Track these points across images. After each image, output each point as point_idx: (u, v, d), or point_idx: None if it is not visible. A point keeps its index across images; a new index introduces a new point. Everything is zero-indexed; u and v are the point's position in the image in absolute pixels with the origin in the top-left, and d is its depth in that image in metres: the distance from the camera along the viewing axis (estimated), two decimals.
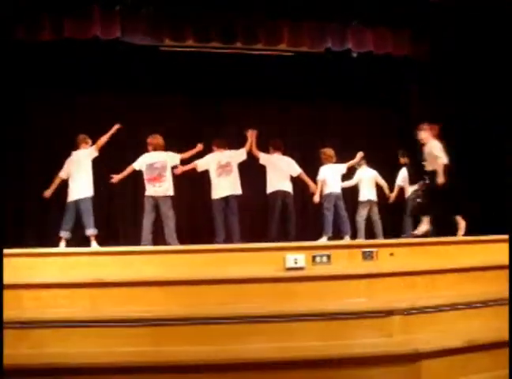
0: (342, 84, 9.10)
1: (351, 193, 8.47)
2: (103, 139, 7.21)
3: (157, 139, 7.25)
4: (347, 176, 8.30)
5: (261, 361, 3.77)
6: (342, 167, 8.10)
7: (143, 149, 7.31)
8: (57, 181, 7.31)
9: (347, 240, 7.58)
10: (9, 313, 4.24)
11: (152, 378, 3.68)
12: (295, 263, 5.06)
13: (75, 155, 7.29)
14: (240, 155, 7.59)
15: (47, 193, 7.25)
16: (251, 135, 7.63)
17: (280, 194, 7.52)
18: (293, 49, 8.42)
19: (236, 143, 7.69)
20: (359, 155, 8.17)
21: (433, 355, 3.84)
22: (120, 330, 4.01)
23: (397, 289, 4.77)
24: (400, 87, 9.04)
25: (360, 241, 7.37)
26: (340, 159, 8.11)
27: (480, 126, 7.68)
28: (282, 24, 8.09)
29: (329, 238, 7.53)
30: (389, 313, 4.19)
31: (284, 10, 7.96)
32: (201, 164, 7.49)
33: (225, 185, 7.40)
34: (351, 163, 8.20)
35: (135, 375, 3.67)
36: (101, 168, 7.36)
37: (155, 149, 7.23)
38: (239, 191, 7.47)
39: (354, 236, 7.99)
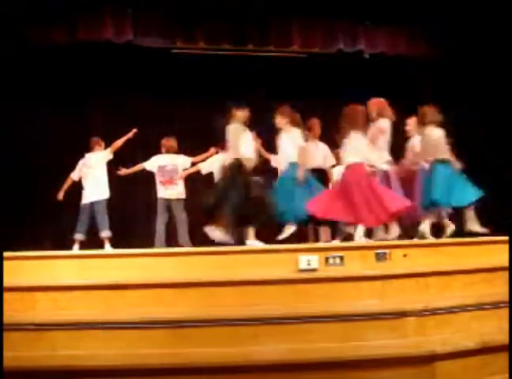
0: (354, 85, 9.08)
1: None
2: (119, 142, 7.27)
3: (171, 141, 7.31)
4: None
5: (275, 362, 3.77)
6: None
7: (155, 151, 7.36)
8: (68, 182, 7.38)
9: (360, 241, 7.55)
10: (24, 315, 4.29)
11: None
12: (308, 264, 5.04)
13: (88, 157, 7.35)
14: None
15: (60, 195, 7.31)
16: (255, 137, 7.66)
17: None
18: (305, 50, 8.43)
19: None
20: None
21: (447, 357, 3.83)
22: (135, 332, 4.02)
23: (410, 290, 4.75)
24: (412, 88, 9.01)
25: (373, 242, 7.34)
26: None
27: (491, 128, 7.65)
28: (293, 25, 8.11)
29: (342, 240, 7.50)
30: (403, 314, 4.18)
31: (296, 12, 7.97)
32: (204, 167, 7.51)
33: None
34: None
35: (150, 377, 3.69)
36: (113, 169, 7.42)
37: (167, 151, 7.29)
38: None
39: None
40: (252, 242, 5.90)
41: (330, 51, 8.31)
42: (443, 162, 6.26)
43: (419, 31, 8.33)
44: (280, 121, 6.52)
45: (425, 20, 8.03)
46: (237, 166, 6.06)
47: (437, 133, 6.33)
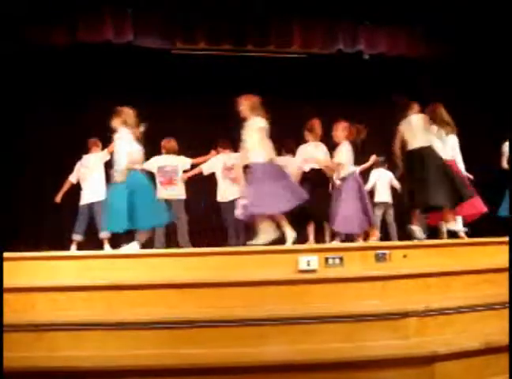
0: (354, 86, 9.10)
1: None
2: None
3: (171, 142, 7.30)
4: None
5: (276, 363, 3.76)
6: None
7: (155, 151, 7.35)
8: (67, 185, 7.39)
9: (359, 242, 7.55)
10: (24, 316, 4.28)
11: None
12: (308, 265, 5.04)
13: (86, 158, 7.35)
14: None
15: (58, 197, 7.32)
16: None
17: None
18: (305, 51, 8.43)
19: None
20: (372, 158, 8.14)
21: (449, 357, 3.82)
22: (136, 333, 4.01)
23: (410, 291, 4.75)
24: (413, 88, 9.01)
25: (373, 242, 7.34)
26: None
27: (492, 128, 7.65)
28: (293, 25, 8.11)
29: (342, 241, 7.50)
30: (403, 315, 4.17)
31: (296, 12, 7.97)
32: (206, 168, 7.51)
33: (232, 188, 7.42)
34: (363, 166, 8.19)
35: (151, 378, 3.68)
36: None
37: (167, 152, 7.29)
38: None
39: (367, 237, 7.96)
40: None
41: (330, 51, 8.31)
42: None
43: (419, 31, 8.33)
44: (114, 121, 6.02)
45: (425, 20, 8.03)
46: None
47: None
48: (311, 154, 6.89)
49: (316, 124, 7.01)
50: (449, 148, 6.53)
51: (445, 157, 6.37)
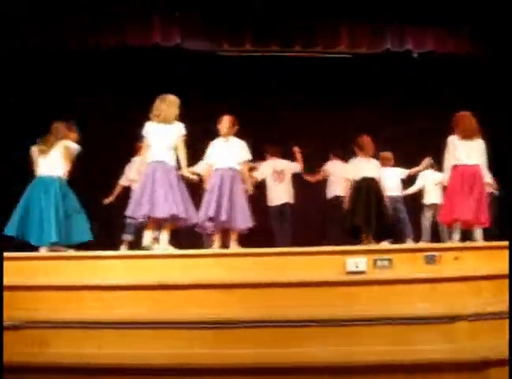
0: (403, 86, 8.98)
1: (411, 196, 8.36)
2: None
3: None
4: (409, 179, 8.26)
5: (321, 365, 3.72)
6: (402, 172, 8.04)
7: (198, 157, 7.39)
8: (118, 189, 7.52)
9: (409, 243, 7.44)
10: (71, 314, 4.35)
11: None
12: (356, 267, 4.98)
13: (134, 161, 7.45)
14: (294, 167, 7.72)
15: (108, 199, 7.46)
16: (297, 152, 7.66)
17: (338, 199, 7.55)
18: (352, 51, 8.36)
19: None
20: (426, 161, 7.99)
21: (500, 364, 3.69)
22: (182, 332, 4.03)
23: (461, 294, 4.61)
24: (465, 87, 8.83)
25: (422, 244, 7.21)
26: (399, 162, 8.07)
27: None
28: (341, 26, 8.06)
29: (391, 242, 7.40)
30: (453, 318, 4.06)
31: (343, 12, 7.91)
32: (259, 174, 7.59)
33: (280, 193, 7.56)
34: (416, 169, 8.08)
35: (196, 377, 3.69)
36: None
37: None
38: (292, 199, 7.62)
39: (417, 239, 7.84)
40: None
41: (378, 51, 8.22)
42: None
43: (465, 31, 8.14)
44: None
45: (472, 17, 7.84)
46: None
47: None
48: (363, 167, 7.00)
49: (365, 141, 7.02)
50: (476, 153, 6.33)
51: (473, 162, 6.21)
